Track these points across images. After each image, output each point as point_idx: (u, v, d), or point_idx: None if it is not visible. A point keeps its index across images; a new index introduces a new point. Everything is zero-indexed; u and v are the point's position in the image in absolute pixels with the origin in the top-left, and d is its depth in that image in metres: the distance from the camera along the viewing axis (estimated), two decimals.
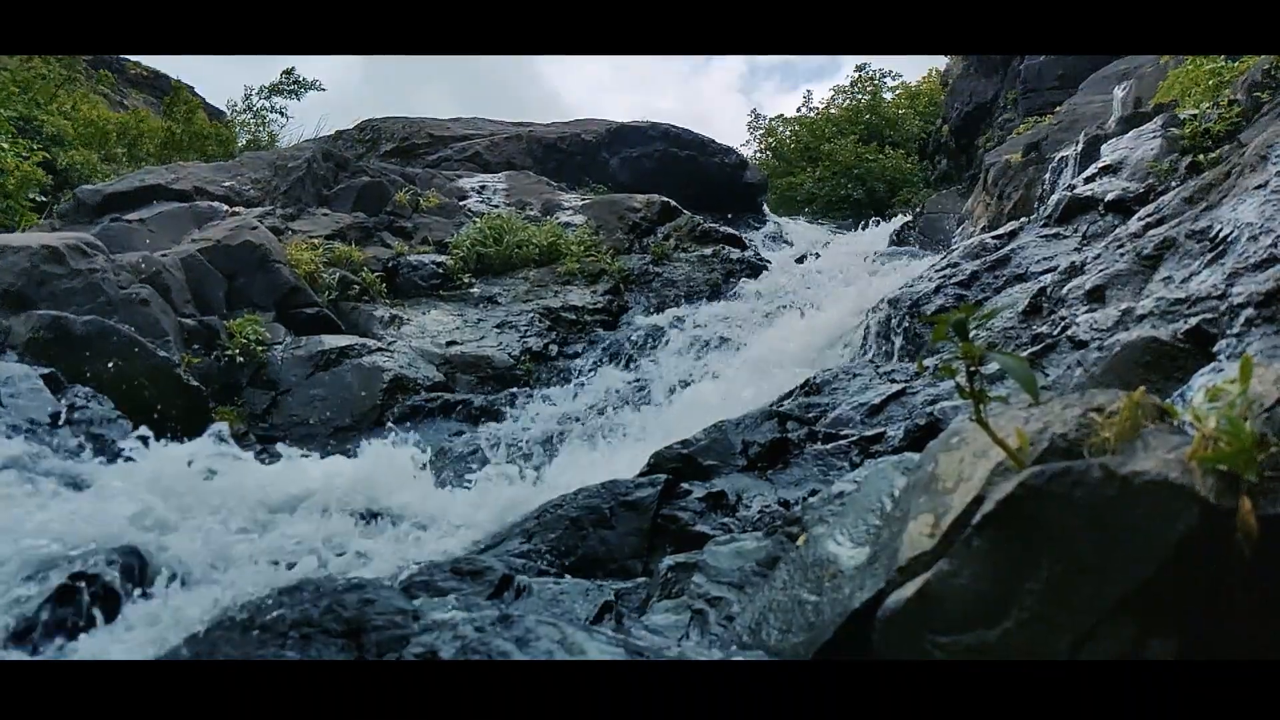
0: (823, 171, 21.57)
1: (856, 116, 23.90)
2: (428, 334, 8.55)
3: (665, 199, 12.49)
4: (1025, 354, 3.93)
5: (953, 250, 6.35)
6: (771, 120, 25.65)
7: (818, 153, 22.28)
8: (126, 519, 2.93)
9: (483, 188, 13.14)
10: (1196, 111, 5.94)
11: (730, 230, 12.49)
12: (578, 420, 6.59)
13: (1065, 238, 5.47)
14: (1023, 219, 6.36)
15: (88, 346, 5.71)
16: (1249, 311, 3.23)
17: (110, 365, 5.65)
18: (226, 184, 10.58)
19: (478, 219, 11.12)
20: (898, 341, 5.48)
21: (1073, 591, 1.14)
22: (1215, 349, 3.21)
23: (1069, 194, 5.89)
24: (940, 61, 23.02)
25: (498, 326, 8.90)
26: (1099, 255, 4.49)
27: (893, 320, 5.63)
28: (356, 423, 6.96)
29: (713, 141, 18.63)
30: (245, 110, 19.04)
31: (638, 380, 7.38)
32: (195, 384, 6.32)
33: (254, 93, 19.07)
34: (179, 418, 5.75)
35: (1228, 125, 5.53)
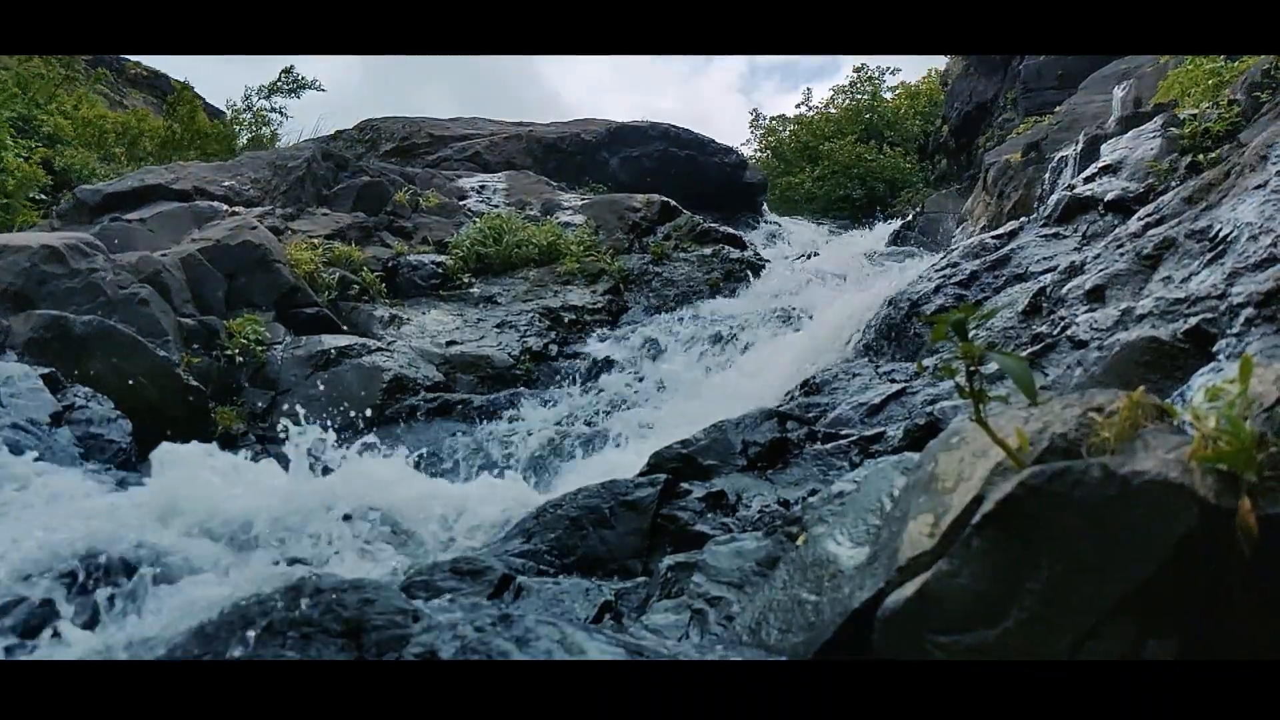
0: (822, 171, 21.59)
1: (856, 116, 23.92)
2: (427, 334, 8.54)
3: (665, 199, 12.49)
4: (1025, 354, 3.94)
5: (952, 250, 6.34)
6: (771, 120, 25.70)
7: (817, 152, 22.30)
8: (126, 519, 2.93)
9: (482, 187, 13.14)
10: (1196, 111, 5.94)
11: (730, 230, 12.49)
12: (577, 420, 6.59)
13: (1065, 237, 5.46)
14: (1022, 219, 6.35)
15: (87, 346, 5.71)
16: (1249, 311, 3.23)
17: (110, 365, 5.65)
18: (226, 184, 10.58)
19: (477, 219, 11.12)
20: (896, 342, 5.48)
21: (1072, 591, 1.14)
22: (1215, 349, 3.21)
23: (1069, 194, 5.89)
24: (940, 61, 23.05)
25: (497, 326, 8.90)
26: (1099, 255, 4.49)
27: (892, 320, 5.63)
28: (356, 422, 6.95)
29: (712, 141, 18.65)
30: (245, 110, 19.07)
31: (638, 376, 7.39)
32: (195, 384, 6.32)
33: (254, 92, 19.11)
34: (178, 417, 5.76)
35: (1227, 125, 5.53)
